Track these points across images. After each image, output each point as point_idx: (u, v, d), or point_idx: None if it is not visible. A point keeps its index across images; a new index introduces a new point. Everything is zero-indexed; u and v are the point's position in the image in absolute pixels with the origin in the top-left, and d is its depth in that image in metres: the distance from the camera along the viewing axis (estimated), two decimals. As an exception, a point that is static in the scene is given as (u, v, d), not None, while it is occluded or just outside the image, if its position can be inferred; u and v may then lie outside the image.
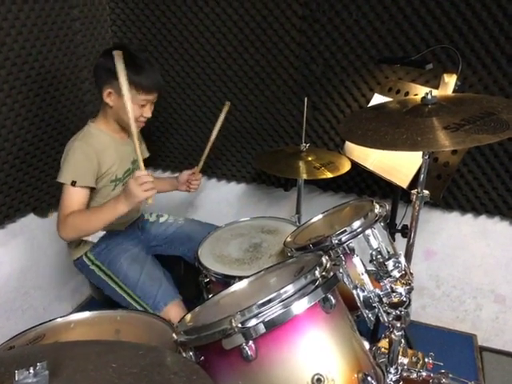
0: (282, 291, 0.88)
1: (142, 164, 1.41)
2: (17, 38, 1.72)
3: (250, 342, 0.84)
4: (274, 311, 0.86)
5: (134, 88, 1.50)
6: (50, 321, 1.23)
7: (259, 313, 0.85)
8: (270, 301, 0.87)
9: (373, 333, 1.81)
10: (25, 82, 1.78)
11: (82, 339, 1.24)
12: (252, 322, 0.84)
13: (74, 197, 1.51)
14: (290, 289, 0.88)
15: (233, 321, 0.83)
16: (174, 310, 1.54)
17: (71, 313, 1.28)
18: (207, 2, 1.98)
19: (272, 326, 0.85)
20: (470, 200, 1.92)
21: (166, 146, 2.37)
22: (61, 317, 1.23)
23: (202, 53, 2.08)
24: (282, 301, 0.87)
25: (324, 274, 0.92)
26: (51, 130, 1.94)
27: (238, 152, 2.23)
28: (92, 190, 1.58)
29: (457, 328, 2.20)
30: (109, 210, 1.46)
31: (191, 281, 1.76)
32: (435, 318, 2.23)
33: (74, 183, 1.49)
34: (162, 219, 1.94)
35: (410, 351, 1.20)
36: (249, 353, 0.83)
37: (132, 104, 1.41)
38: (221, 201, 2.41)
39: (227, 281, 1.40)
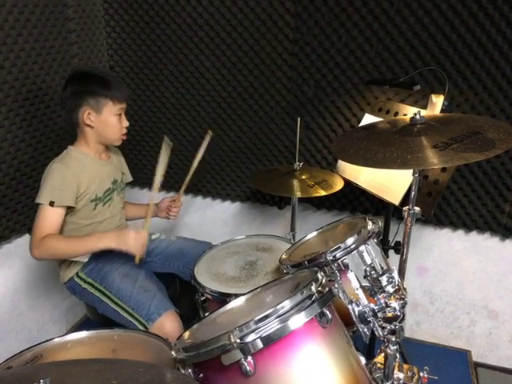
0: (278, 307, 0.90)
1: (147, 227, 1.60)
2: (15, 61, 1.76)
3: (249, 358, 0.85)
4: (271, 326, 0.87)
5: (111, 100, 1.60)
6: (47, 341, 1.23)
7: (257, 328, 0.87)
8: (267, 316, 0.88)
9: (369, 349, 1.81)
10: (22, 104, 1.82)
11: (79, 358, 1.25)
12: (250, 338, 0.85)
13: (50, 218, 1.55)
14: (286, 304, 0.90)
15: (231, 336, 0.85)
16: (168, 321, 1.55)
17: (66, 333, 1.28)
18: (201, 26, 2.04)
19: (270, 341, 0.87)
20: (460, 216, 1.96)
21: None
22: (58, 337, 1.23)
23: (196, 75, 2.13)
24: (279, 316, 0.89)
25: (320, 289, 0.94)
26: (48, 150, 1.97)
27: (233, 171, 2.26)
28: (70, 209, 1.61)
29: (451, 344, 2.21)
30: (91, 243, 1.57)
31: (187, 298, 1.76)
32: (429, 334, 2.24)
33: (52, 203, 1.54)
34: (153, 236, 1.96)
35: (405, 366, 1.21)
36: (248, 368, 0.84)
37: (112, 117, 1.61)
38: (215, 219, 2.43)
39: (224, 299, 1.40)
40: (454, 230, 2.03)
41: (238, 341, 0.84)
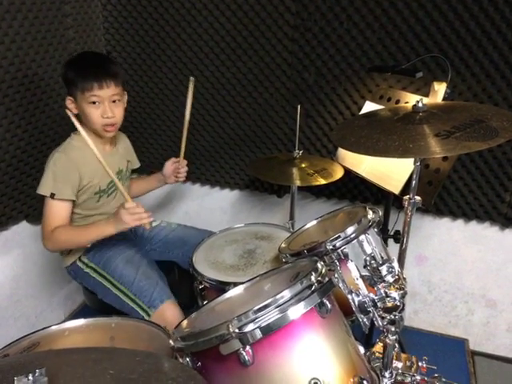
0: (278, 296, 0.89)
1: (128, 197, 1.48)
2: (10, 46, 1.72)
3: (248, 347, 0.84)
4: (270, 316, 0.86)
5: (79, 88, 1.52)
6: (45, 328, 1.22)
7: (256, 318, 0.86)
8: (266, 306, 0.87)
9: (367, 338, 1.82)
10: (18, 89, 1.78)
11: (77, 346, 1.25)
12: (249, 327, 0.84)
13: (56, 210, 1.54)
14: (286, 294, 0.89)
15: (230, 326, 0.84)
16: (169, 309, 1.54)
17: (64, 321, 1.28)
18: (200, 11, 2.00)
19: (269, 330, 0.86)
20: (460, 206, 1.95)
21: (154, 149, 2.38)
22: (55, 324, 1.23)
23: (195, 61, 2.10)
24: (279, 306, 0.88)
25: (320, 279, 0.93)
26: (44, 137, 1.94)
27: (232, 159, 2.24)
28: (73, 202, 1.59)
29: (449, 333, 2.22)
30: (97, 230, 1.54)
31: (185, 287, 1.76)
32: (428, 323, 2.25)
33: (52, 195, 1.52)
34: (154, 223, 1.94)
35: (403, 355, 1.21)
36: (246, 358, 0.84)
37: (86, 105, 1.53)
38: (214, 208, 2.42)
39: (222, 287, 1.40)
40: (454, 219, 2.02)
41: (237, 330, 0.83)
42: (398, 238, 1.77)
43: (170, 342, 0.94)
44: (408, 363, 1.18)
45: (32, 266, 2.06)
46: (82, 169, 1.58)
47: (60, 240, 1.54)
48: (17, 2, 1.72)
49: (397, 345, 1.18)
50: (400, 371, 1.15)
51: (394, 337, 1.07)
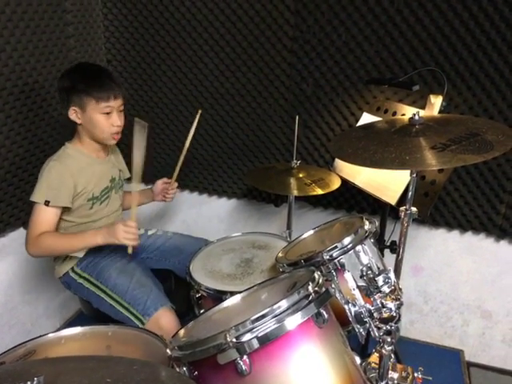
0: (275, 306, 0.89)
1: (135, 217, 1.53)
2: (12, 54, 1.74)
3: (245, 357, 0.85)
4: (268, 326, 0.87)
5: (93, 98, 1.56)
6: (41, 336, 1.22)
7: (253, 328, 0.87)
8: (263, 316, 0.88)
9: (363, 348, 1.82)
10: (18, 97, 1.80)
11: (73, 355, 1.25)
12: (246, 337, 0.85)
13: (46, 216, 1.54)
14: (283, 304, 0.90)
15: (227, 335, 0.85)
16: (164, 316, 1.54)
17: (59, 328, 1.28)
18: (200, 21, 2.02)
19: (266, 340, 0.87)
20: (456, 217, 1.96)
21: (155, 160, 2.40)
22: (51, 332, 1.23)
23: (194, 71, 2.12)
24: (276, 316, 0.89)
25: (317, 289, 0.94)
26: (43, 144, 1.95)
27: (230, 168, 2.25)
28: (66, 208, 1.60)
29: (444, 343, 2.22)
30: (86, 239, 1.56)
31: (182, 295, 1.76)
32: (423, 333, 2.25)
33: (47, 203, 1.53)
34: (150, 232, 1.95)
35: (399, 366, 1.22)
36: (243, 367, 0.84)
37: (97, 115, 1.57)
38: (211, 216, 2.43)
39: (219, 296, 1.40)
40: (450, 230, 2.03)
41: (234, 340, 0.84)
42: (395, 248, 1.77)
43: (167, 351, 0.94)
44: (404, 374, 1.18)
45: (28, 273, 2.06)
46: (77, 176, 1.60)
47: (45, 245, 1.54)
48: (19, 11, 1.74)
49: (393, 355, 1.19)
50: (396, 382, 1.16)
51: (390, 347, 1.08)
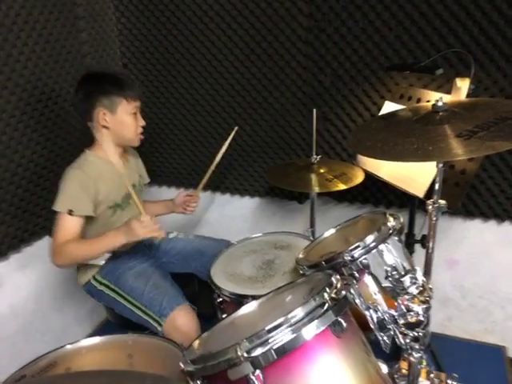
0: (289, 316, 0.84)
1: (143, 210, 1.49)
2: (27, 64, 1.75)
3: (257, 372, 0.80)
4: (281, 338, 0.82)
5: (124, 98, 1.57)
6: (61, 347, 1.22)
7: (266, 340, 0.81)
8: (277, 327, 0.83)
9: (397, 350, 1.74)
10: (36, 106, 1.81)
11: (94, 365, 1.24)
12: (258, 351, 0.80)
13: (70, 226, 1.53)
14: (298, 313, 0.84)
15: (238, 349, 0.80)
16: (180, 315, 1.52)
17: (90, 334, 1.27)
18: (212, 18, 1.98)
19: (280, 353, 0.81)
20: (491, 206, 1.85)
21: (170, 162, 2.39)
22: (70, 343, 1.22)
23: (209, 69, 2.08)
24: (291, 326, 0.83)
25: (334, 295, 0.88)
26: (63, 152, 1.96)
27: (250, 166, 2.21)
28: (89, 218, 1.59)
29: (485, 340, 2.10)
30: (107, 241, 1.52)
31: (206, 298, 1.73)
32: (462, 329, 2.14)
33: (70, 212, 1.51)
34: (171, 235, 1.93)
35: (432, 373, 1.14)
36: (256, 383, 0.79)
37: (127, 116, 1.58)
38: (235, 216, 2.39)
39: (240, 300, 1.36)
40: (485, 220, 1.91)
41: (245, 354, 0.79)
42: (425, 243, 1.68)
43: (181, 364, 0.90)
44: (436, 381, 1.10)
45: (56, 280, 2.08)
46: (98, 184, 1.58)
47: (68, 253, 1.51)
48: (30, 21, 1.74)
49: (426, 357, 1.11)
50: (427, 390, 1.09)
51: (419, 354, 1.00)
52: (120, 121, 1.59)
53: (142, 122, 1.66)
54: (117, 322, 1.77)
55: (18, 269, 1.88)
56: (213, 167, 1.81)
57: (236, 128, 1.83)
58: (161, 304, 1.53)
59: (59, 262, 1.54)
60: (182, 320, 1.52)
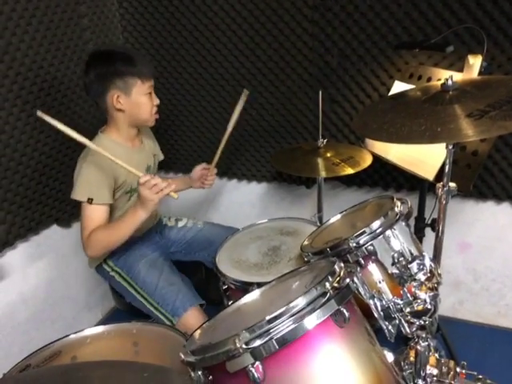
0: (291, 305, 0.81)
1: (138, 172, 1.40)
2: (27, 51, 1.72)
3: (257, 363, 0.77)
4: (281, 328, 0.79)
5: (139, 78, 1.51)
6: (65, 337, 1.22)
7: (266, 331, 0.79)
8: (277, 317, 0.80)
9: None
10: (38, 95, 1.79)
11: (99, 354, 1.24)
12: (258, 342, 0.78)
13: (95, 215, 1.48)
14: (299, 303, 0.82)
15: (237, 341, 0.78)
16: (193, 316, 1.51)
17: (101, 320, 1.26)
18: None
19: (281, 344, 0.79)
20: (505, 188, 1.79)
21: (176, 148, 2.37)
22: (74, 333, 1.22)
23: (213, 52, 2.03)
24: (292, 316, 0.81)
25: (336, 284, 0.85)
26: (68, 140, 1.92)
27: (257, 151, 2.17)
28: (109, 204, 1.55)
29: (498, 323, 2.07)
30: (129, 220, 1.45)
31: (213, 286, 1.72)
32: (474, 313, 2.10)
33: (90, 200, 1.46)
34: (180, 223, 1.91)
35: (441, 360, 1.11)
36: (256, 375, 0.77)
37: (142, 96, 1.52)
38: (243, 202, 2.37)
39: (246, 287, 1.35)
40: (499, 202, 1.86)
41: (244, 346, 0.77)
42: (435, 226, 1.64)
43: (181, 355, 0.89)
44: (445, 369, 1.07)
45: (66, 268, 2.09)
46: (116, 169, 1.52)
47: (99, 242, 1.48)
48: (30, 8, 1.71)
49: (433, 348, 1.09)
50: (435, 378, 1.06)
51: (426, 343, 0.97)
52: (135, 102, 1.53)
53: (157, 101, 1.59)
54: (125, 309, 1.77)
55: (26, 258, 1.89)
56: (226, 137, 1.75)
57: (246, 92, 1.73)
58: (174, 303, 1.52)
59: (93, 253, 1.53)
60: (194, 321, 1.49)
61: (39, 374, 0.87)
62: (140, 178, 1.36)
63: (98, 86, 1.51)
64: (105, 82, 1.49)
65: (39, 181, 1.85)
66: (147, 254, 1.68)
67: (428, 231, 1.73)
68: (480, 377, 1.17)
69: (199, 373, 0.85)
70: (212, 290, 1.76)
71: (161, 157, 1.89)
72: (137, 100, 1.53)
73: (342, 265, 0.93)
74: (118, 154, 1.54)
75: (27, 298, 1.91)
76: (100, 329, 1.25)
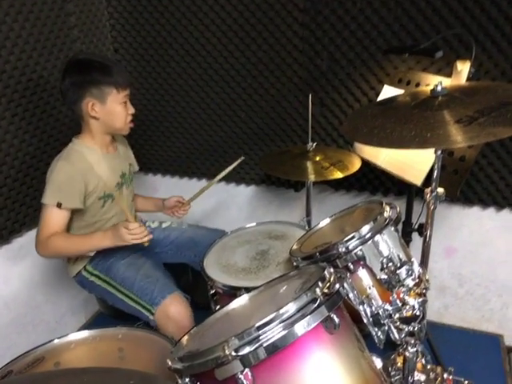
0: (280, 312, 0.80)
1: (131, 218, 1.46)
2: (13, 49, 1.69)
3: (246, 371, 0.76)
4: (271, 335, 0.78)
5: (115, 88, 1.52)
6: (49, 342, 1.19)
7: (256, 337, 0.78)
8: (267, 323, 0.79)
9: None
10: (23, 94, 1.75)
11: (84, 360, 1.21)
12: (247, 349, 0.77)
13: (56, 218, 1.51)
14: (289, 309, 0.81)
15: (226, 348, 0.77)
16: (172, 304, 1.51)
17: (85, 325, 1.24)
18: (206, 0, 1.91)
19: (270, 351, 0.78)
20: (491, 193, 1.81)
21: (164, 149, 2.34)
22: (58, 338, 1.19)
23: (203, 53, 2.02)
24: (282, 322, 0.80)
25: (326, 290, 0.84)
26: (54, 141, 1.91)
27: (246, 154, 2.15)
28: (78, 209, 1.56)
29: (482, 328, 2.08)
30: (94, 241, 1.53)
31: (201, 288, 1.70)
32: (459, 318, 2.12)
33: (59, 205, 1.48)
34: (164, 225, 1.90)
35: (427, 366, 1.11)
36: (245, 382, 0.76)
37: (117, 105, 1.54)
38: (230, 205, 2.35)
39: (234, 292, 1.33)
40: (484, 208, 1.88)
41: (233, 353, 0.76)
42: (423, 231, 1.65)
43: (168, 361, 0.87)
44: (432, 375, 1.08)
45: (49, 271, 2.05)
46: (87, 175, 1.55)
47: (54, 247, 1.51)
48: (17, 4, 1.68)
49: (423, 350, 1.09)
50: (423, 384, 1.06)
51: (414, 349, 0.97)
52: (110, 111, 1.54)
53: (132, 110, 1.61)
54: (109, 314, 1.75)
55: (9, 259, 1.85)
56: (210, 185, 1.78)
57: (242, 157, 1.78)
58: (152, 292, 1.52)
59: (44, 253, 1.54)
60: (174, 308, 1.50)
61: (21, 381, 0.84)
62: (130, 223, 1.43)
63: (74, 93, 1.53)
64: (80, 90, 1.51)
65: (23, 182, 1.81)
66: (127, 254, 1.67)
67: (415, 236, 1.74)
68: (466, 382, 1.17)
69: (187, 380, 0.84)
70: (199, 293, 1.74)
71: (136, 168, 1.88)
72: (112, 109, 1.54)
73: (332, 270, 0.93)
74: (92, 160, 1.57)
75: (8, 301, 1.87)
76: (85, 334, 1.23)
